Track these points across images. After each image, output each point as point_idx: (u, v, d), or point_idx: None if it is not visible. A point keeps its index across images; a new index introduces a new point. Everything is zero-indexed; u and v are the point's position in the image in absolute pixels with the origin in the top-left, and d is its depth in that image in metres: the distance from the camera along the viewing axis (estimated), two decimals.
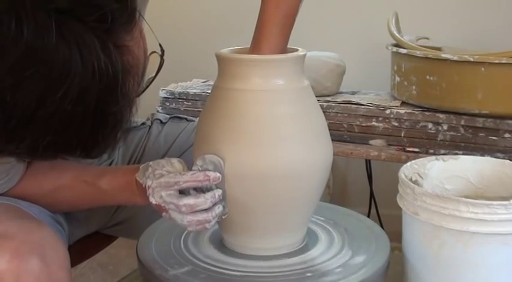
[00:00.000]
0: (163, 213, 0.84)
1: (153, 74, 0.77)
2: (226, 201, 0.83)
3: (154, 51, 0.74)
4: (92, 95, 0.61)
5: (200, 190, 0.83)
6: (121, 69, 0.63)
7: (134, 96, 0.69)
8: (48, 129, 0.62)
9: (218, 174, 0.81)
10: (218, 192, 0.82)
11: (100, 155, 0.69)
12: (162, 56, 0.75)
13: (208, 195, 0.81)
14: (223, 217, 0.84)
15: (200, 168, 0.83)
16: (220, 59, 0.85)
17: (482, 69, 1.32)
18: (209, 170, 0.82)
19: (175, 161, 0.86)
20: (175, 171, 0.84)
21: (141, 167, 0.87)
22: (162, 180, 0.82)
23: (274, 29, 0.85)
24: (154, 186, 0.82)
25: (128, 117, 0.68)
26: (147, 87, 0.74)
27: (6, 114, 0.60)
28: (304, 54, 0.86)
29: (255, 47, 0.86)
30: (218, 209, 0.82)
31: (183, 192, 0.83)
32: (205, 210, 0.81)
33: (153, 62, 0.75)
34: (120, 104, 0.64)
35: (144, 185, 0.85)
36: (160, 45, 0.75)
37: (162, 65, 0.76)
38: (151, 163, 0.86)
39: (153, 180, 0.83)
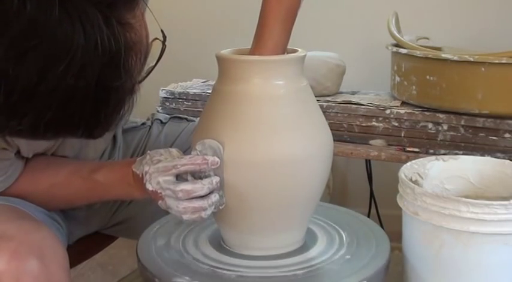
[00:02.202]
0: (159, 202, 0.83)
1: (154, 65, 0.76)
2: (224, 190, 0.83)
3: (157, 38, 0.74)
4: (94, 69, 0.61)
5: (198, 178, 0.82)
6: (124, 44, 0.63)
7: (137, 80, 0.68)
8: (50, 104, 0.61)
9: (217, 159, 0.81)
10: (216, 179, 0.81)
11: (102, 134, 0.68)
12: (164, 42, 0.75)
13: (206, 181, 0.81)
14: (220, 207, 0.84)
15: (199, 154, 0.83)
16: (220, 60, 0.85)
17: (482, 69, 1.32)
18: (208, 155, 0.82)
19: (173, 150, 0.86)
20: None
21: (138, 159, 0.87)
22: (159, 165, 0.82)
23: (276, 23, 0.85)
24: (152, 171, 0.82)
25: (130, 97, 0.68)
26: (150, 72, 0.73)
27: (8, 88, 0.59)
28: (304, 55, 0.86)
29: (258, 41, 0.86)
30: (215, 197, 0.82)
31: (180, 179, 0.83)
32: (202, 197, 0.81)
33: (155, 55, 0.74)
34: (123, 79, 0.64)
35: (140, 174, 0.84)
36: (162, 31, 0.75)
37: (164, 50, 0.75)
38: (149, 152, 0.86)
39: (150, 165, 0.82)
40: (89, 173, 0.93)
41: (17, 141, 0.88)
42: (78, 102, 0.62)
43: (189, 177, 0.82)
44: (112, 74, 0.63)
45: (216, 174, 0.82)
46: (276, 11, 0.85)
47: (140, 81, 0.70)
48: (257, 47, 0.86)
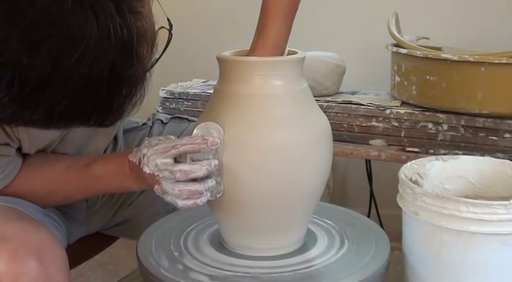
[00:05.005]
0: (155, 187, 0.82)
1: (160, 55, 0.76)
2: (223, 178, 0.82)
3: (163, 27, 0.74)
4: (107, 57, 0.61)
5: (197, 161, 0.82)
6: (136, 32, 0.63)
7: (147, 68, 0.68)
8: (64, 94, 0.61)
9: (217, 140, 0.81)
10: (214, 162, 0.81)
11: (114, 123, 0.69)
12: (170, 30, 0.75)
13: (204, 162, 0.80)
14: (218, 195, 0.83)
15: (199, 135, 0.82)
16: (221, 61, 0.86)
17: (482, 69, 1.32)
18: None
19: (171, 136, 0.85)
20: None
21: (134, 149, 0.87)
22: (158, 147, 0.82)
23: (278, 15, 0.85)
24: (150, 154, 0.82)
25: (142, 85, 0.68)
26: (157, 61, 0.73)
27: (22, 78, 0.60)
28: (304, 57, 0.87)
29: (260, 33, 0.86)
30: (211, 182, 0.81)
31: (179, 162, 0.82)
32: (199, 182, 0.81)
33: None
34: (135, 67, 0.64)
35: (137, 161, 0.84)
36: (168, 19, 0.75)
37: (171, 39, 0.75)
38: (147, 138, 0.86)
39: (149, 148, 0.82)
40: (85, 166, 0.93)
41: (20, 136, 0.88)
42: (91, 91, 0.62)
43: (188, 160, 0.82)
44: (125, 63, 0.63)
45: (215, 159, 0.82)
46: (278, 2, 0.86)
47: (148, 69, 0.70)
48: (259, 38, 0.86)
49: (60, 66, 0.60)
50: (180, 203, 0.81)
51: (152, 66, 0.71)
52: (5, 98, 0.61)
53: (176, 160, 0.82)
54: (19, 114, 0.63)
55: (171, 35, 0.75)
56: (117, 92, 0.65)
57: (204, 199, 0.82)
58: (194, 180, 0.81)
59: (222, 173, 0.82)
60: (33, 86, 0.60)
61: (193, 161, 0.82)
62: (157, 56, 0.72)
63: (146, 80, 0.69)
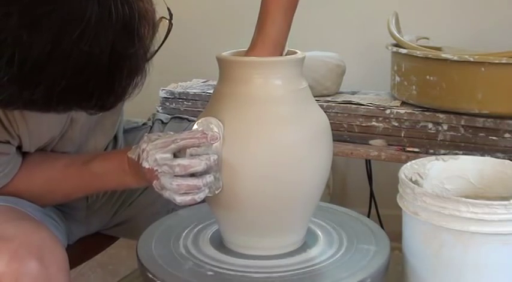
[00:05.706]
0: (154, 182, 0.82)
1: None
2: (222, 174, 0.82)
3: (163, 17, 0.74)
4: (108, 36, 0.61)
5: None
6: (137, 10, 0.63)
7: (149, 49, 0.68)
8: (64, 73, 0.61)
9: (216, 134, 0.81)
10: (214, 157, 0.81)
11: (115, 105, 0.69)
12: (170, 20, 0.75)
13: (203, 157, 0.80)
14: (216, 192, 0.83)
15: (199, 130, 0.82)
16: (221, 62, 0.86)
17: (482, 69, 1.32)
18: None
19: (170, 132, 0.85)
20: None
21: (133, 146, 0.87)
22: (158, 142, 0.81)
23: (279, 11, 0.86)
24: (150, 149, 0.81)
25: (143, 68, 0.68)
26: (158, 50, 0.73)
27: (22, 55, 0.60)
28: (303, 57, 0.87)
29: (260, 29, 0.86)
30: (209, 177, 0.81)
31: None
32: (197, 177, 0.81)
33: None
34: (136, 47, 0.64)
35: (136, 158, 0.84)
36: (168, 9, 0.75)
37: (171, 29, 0.75)
38: (147, 134, 0.86)
39: (148, 143, 0.82)
40: (84, 163, 0.92)
41: (20, 132, 0.88)
42: (92, 70, 0.62)
43: (187, 155, 0.82)
44: (125, 42, 0.63)
45: (214, 154, 0.81)
46: (277, 0, 0.86)
47: (149, 58, 0.70)
48: (259, 36, 0.86)
49: (60, 43, 0.60)
50: (178, 198, 0.81)
51: (154, 53, 0.71)
52: (5, 77, 0.61)
53: (175, 156, 0.82)
54: (18, 94, 0.63)
55: (171, 24, 0.74)
56: (118, 71, 0.64)
57: (202, 195, 0.82)
58: (193, 175, 0.81)
59: (221, 169, 0.82)
60: (32, 65, 0.60)
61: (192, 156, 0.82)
62: (158, 46, 0.72)
63: (147, 62, 0.69)
